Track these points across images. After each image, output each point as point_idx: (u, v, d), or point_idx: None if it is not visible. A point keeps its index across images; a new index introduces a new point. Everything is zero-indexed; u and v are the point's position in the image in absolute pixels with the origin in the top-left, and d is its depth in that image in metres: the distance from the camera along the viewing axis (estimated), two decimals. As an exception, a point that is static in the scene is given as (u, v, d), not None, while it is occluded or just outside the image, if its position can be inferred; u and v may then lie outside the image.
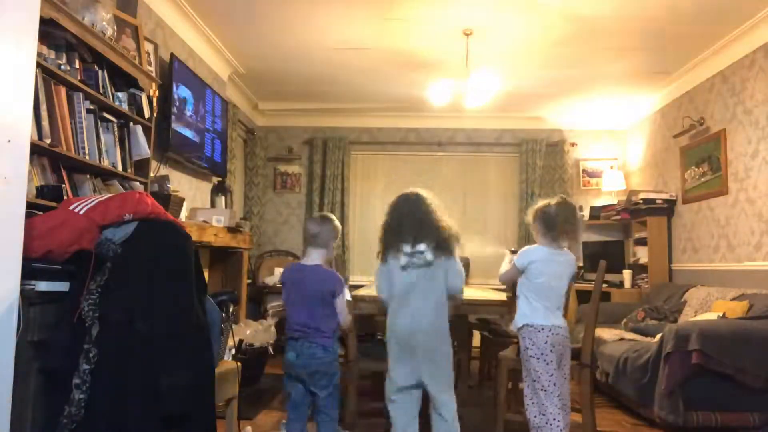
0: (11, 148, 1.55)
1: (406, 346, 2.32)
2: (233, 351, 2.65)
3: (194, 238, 3.01)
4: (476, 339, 4.53)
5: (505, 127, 6.57)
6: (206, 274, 4.41)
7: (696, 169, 4.92)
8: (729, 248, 4.41)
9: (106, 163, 2.80)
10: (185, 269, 1.82)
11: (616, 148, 6.51)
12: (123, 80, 3.05)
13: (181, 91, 4.04)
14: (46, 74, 2.37)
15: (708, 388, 3.05)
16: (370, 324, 4.58)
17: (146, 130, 3.18)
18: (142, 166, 3.17)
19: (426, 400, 2.37)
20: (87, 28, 2.60)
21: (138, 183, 3.12)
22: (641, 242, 5.51)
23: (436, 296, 2.34)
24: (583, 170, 6.50)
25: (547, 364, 2.47)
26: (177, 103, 3.96)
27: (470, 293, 3.64)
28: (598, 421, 3.10)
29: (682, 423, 3.03)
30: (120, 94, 2.99)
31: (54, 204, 2.18)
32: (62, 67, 2.47)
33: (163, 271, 1.76)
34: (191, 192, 4.52)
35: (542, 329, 2.49)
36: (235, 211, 4.76)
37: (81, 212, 1.79)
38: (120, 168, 2.94)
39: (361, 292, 3.56)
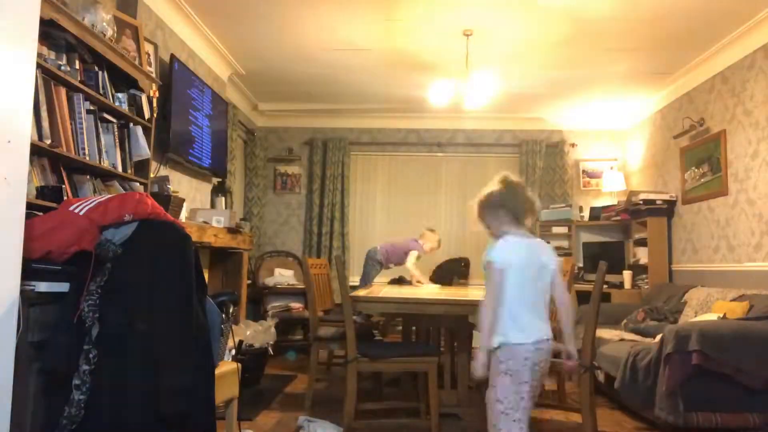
0: (11, 149, 1.55)
1: None
2: (233, 352, 2.65)
3: (194, 238, 3.01)
4: (476, 339, 4.53)
5: (505, 128, 6.57)
6: (206, 275, 4.41)
7: (696, 170, 4.91)
8: (729, 249, 4.41)
9: (106, 164, 2.80)
10: (185, 270, 1.82)
11: (616, 148, 6.51)
12: (123, 81, 3.05)
13: (181, 93, 4.04)
14: (46, 75, 2.37)
15: (708, 388, 3.05)
16: (368, 325, 4.58)
17: (146, 131, 3.18)
18: (142, 167, 3.18)
19: None
20: (87, 28, 2.60)
21: (138, 184, 3.13)
22: (641, 243, 5.51)
23: None
24: (583, 171, 6.50)
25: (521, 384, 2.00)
26: (177, 104, 3.96)
27: (470, 293, 3.64)
28: (598, 422, 3.09)
29: (682, 424, 3.02)
30: (120, 95, 2.99)
31: (54, 205, 2.18)
32: (62, 67, 2.47)
33: (163, 271, 1.76)
34: (191, 193, 4.52)
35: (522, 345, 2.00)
36: (235, 212, 4.77)
37: (81, 213, 1.79)
38: (120, 169, 2.94)
39: (361, 292, 3.56)
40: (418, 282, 4.91)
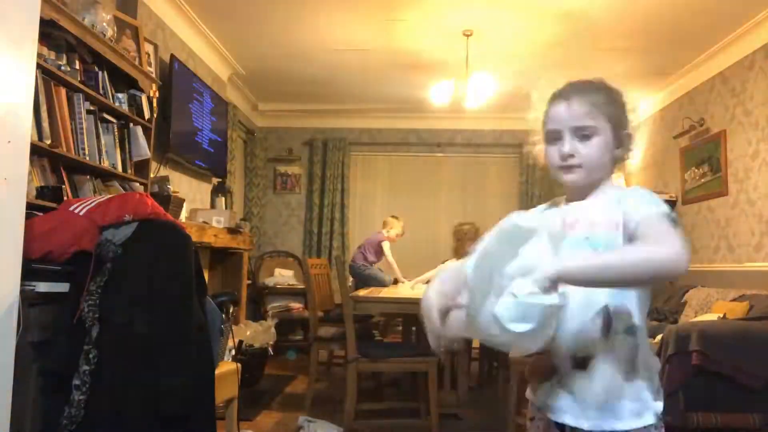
0: (11, 149, 1.55)
1: None
2: (233, 352, 2.65)
3: (194, 238, 3.00)
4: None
5: (505, 128, 6.56)
6: (206, 275, 4.40)
7: (696, 170, 4.91)
8: (729, 249, 4.41)
9: (106, 164, 2.80)
10: (185, 270, 1.82)
11: (616, 148, 6.50)
12: (123, 81, 3.05)
13: (181, 93, 4.03)
14: (47, 75, 2.37)
15: (708, 389, 3.05)
16: (368, 324, 4.58)
17: (146, 131, 3.18)
18: (142, 167, 3.17)
19: None
20: (87, 29, 2.60)
21: (138, 184, 3.12)
22: (641, 243, 5.50)
23: None
24: (583, 171, 6.49)
25: None
26: (177, 104, 3.96)
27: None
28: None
29: (682, 424, 3.02)
30: (120, 95, 2.99)
31: (54, 205, 2.18)
32: (62, 68, 2.47)
33: (163, 272, 1.76)
34: (191, 193, 4.52)
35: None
36: (235, 212, 4.76)
37: (81, 213, 1.79)
38: (120, 169, 2.94)
39: (360, 292, 3.57)
40: (402, 280, 4.98)
